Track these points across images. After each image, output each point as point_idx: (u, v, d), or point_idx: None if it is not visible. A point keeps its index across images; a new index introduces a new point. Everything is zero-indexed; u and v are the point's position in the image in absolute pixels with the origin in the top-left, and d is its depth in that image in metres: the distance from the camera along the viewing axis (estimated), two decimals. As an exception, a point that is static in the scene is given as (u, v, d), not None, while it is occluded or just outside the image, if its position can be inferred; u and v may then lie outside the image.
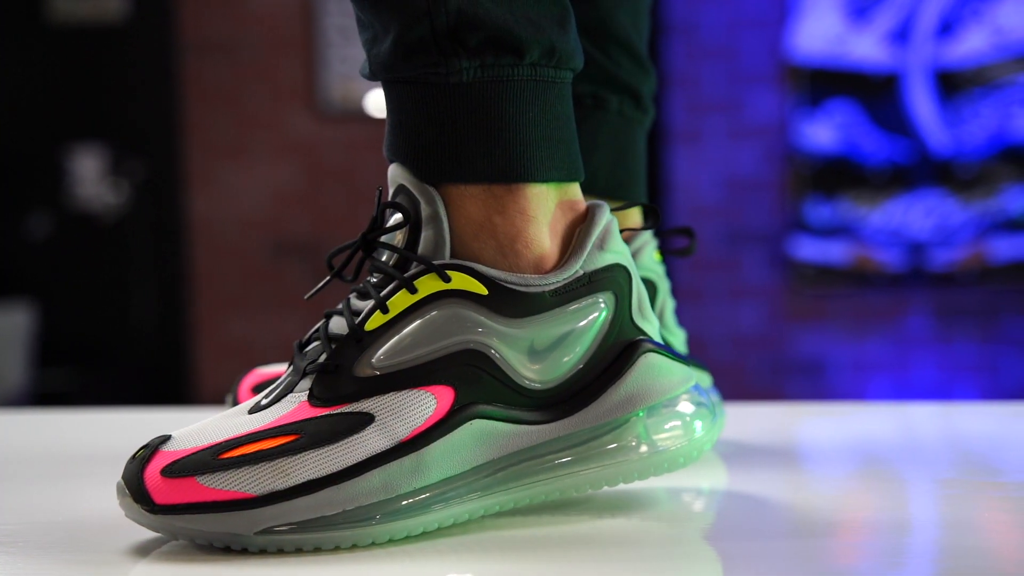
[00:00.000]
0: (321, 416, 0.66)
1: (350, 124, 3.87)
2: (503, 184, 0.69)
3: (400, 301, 0.68)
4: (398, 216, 0.70)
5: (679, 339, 0.96)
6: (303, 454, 0.65)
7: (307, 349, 0.70)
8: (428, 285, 0.68)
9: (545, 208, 0.70)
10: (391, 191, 0.72)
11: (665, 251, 0.98)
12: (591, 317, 0.70)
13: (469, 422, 0.67)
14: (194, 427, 0.68)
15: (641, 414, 0.71)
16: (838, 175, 3.72)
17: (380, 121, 3.80)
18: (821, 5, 3.70)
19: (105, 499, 0.75)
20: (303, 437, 0.65)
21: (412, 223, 0.70)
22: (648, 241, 0.94)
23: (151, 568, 0.63)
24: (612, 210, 0.74)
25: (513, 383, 0.69)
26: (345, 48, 3.85)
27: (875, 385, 3.74)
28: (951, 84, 3.67)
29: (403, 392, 0.67)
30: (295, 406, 0.67)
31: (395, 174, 0.71)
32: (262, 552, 0.64)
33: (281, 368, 0.97)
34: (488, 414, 0.68)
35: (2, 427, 1.30)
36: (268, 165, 3.92)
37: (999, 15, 3.65)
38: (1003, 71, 3.66)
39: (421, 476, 0.66)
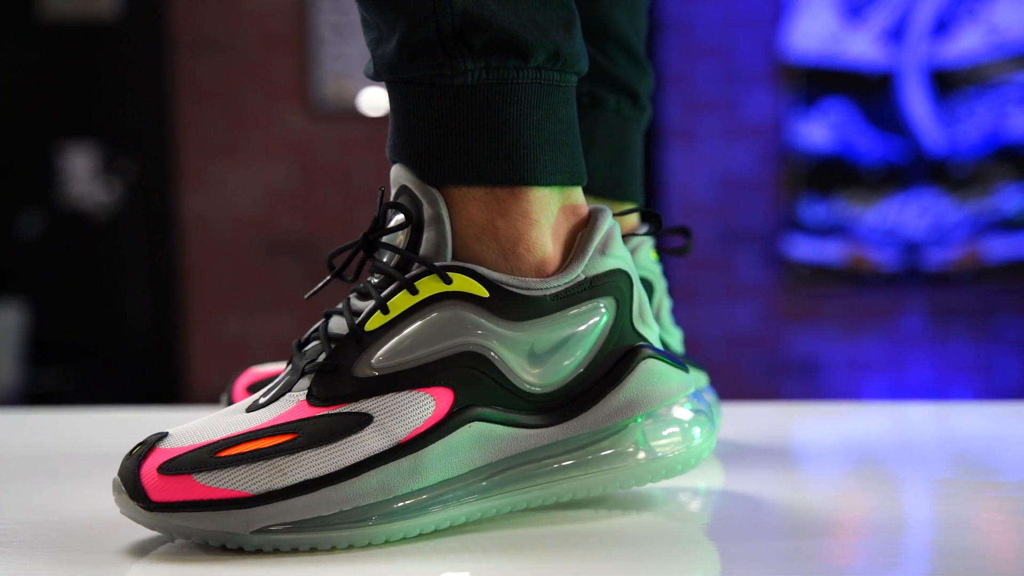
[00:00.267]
0: (319, 416, 0.66)
1: (344, 122, 3.87)
2: (506, 187, 0.69)
3: (401, 302, 0.68)
4: (400, 217, 0.70)
5: (676, 338, 0.96)
6: (301, 453, 0.65)
7: (306, 348, 0.70)
8: (429, 286, 0.68)
9: (548, 212, 0.70)
10: (393, 192, 0.72)
11: (661, 250, 0.98)
12: (592, 322, 0.70)
13: (468, 424, 0.67)
14: (191, 425, 0.68)
15: (640, 420, 0.71)
16: (833, 174, 3.72)
17: (374, 119, 3.82)
18: (816, 4, 3.70)
19: (99, 499, 0.75)
20: (301, 436, 0.65)
21: (414, 224, 0.70)
22: (644, 240, 0.94)
23: (146, 568, 0.63)
24: (615, 215, 0.74)
25: (512, 386, 0.69)
26: (338, 46, 3.84)
27: (870, 385, 3.74)
28: (946, 83, 3.68)
29: (402, 393, 0.67)
30: (293, 405, 0.67)
31: (398, 175, 0.71)
32: (258, 552, 0.64)
33: (276, 368, 0.97)
34: (487, 417, 0.68)
35: (-6, 427, 1.30)
36: (261, 163, 3.91)
37: (994, 14, 3.65)
38: (998, 70, 3.66)
39: (419, 478, 0.66)
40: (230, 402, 0.95)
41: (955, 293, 3.70)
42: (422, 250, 0.69)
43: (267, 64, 3.90)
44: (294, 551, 0.64)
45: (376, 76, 0.72)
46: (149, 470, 0.64)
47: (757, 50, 3.77)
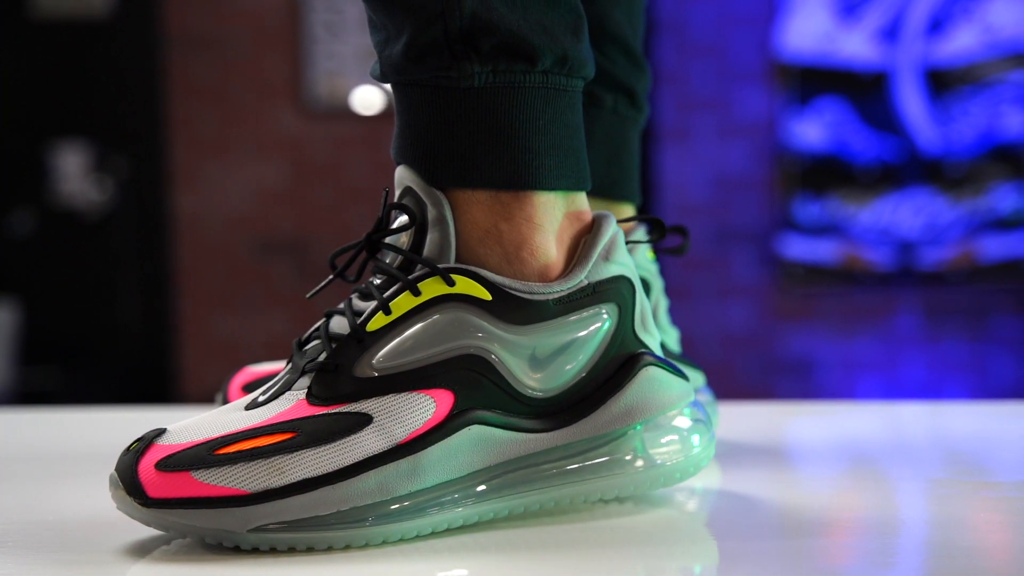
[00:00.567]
0: (319, 415, 0.66)
1: (336, 121, 3.86)
2: (511, 191, 0.69)
3: (403, 303, 0.68)
4: (404, 218, 0.70)
5: (672, 338, 0.97)
6: (299, 452, 0.64)
7: (306, 347, 0.70)
8: (432, 288, 0.68)
9: (552, 217, 0.71)
10: (397, 193, 0.72)
11: (658, 250, 0.98)
12: (594, 327, 0.71)
13: (467, 427, 0.67)
14: (190, 421, 0.68)
15: (639, 427, 0.71)
16: (827, 173, 3.72)
17: (367, 118, 3.81)
18: (810, 3, 3.70)
19: (94, 498, 0.76)
20: (300, 435, 0.65)
21: (418, 226, 0.70)
22: (641, 238, 0.93)
23: (143, 567, 0.63)
24: (619, 222, 0.74)
25: (513, 390, 0.69)
26: (331, 44, 3.83)
27: (864, 384, 3.74)
28: (941, 82, 3.68)
29: (402, 394, 0.67)
30: (293, 404, 0.67)
31: (402, 176, 0.71)
32: (254, 550, 0.64)
33: (272, 367, 0.97)
34: (487, 420, 0.68)
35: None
36: (254, 162, 3.90)
37: (989, 13, 3.65)
38: (993, 69, 3.66)
39: (417, 479, 0.66)
40: (226, 401, 0.95)
41: (949, 293, 3.70)
42: (425, 252, 0.69)
43: (260, 62, 3.89)
44: (291, 550, 0.64)
45: (382, 77, 0.72)
46: (147, 466, 0.64)
47: (751, 49, 3.77)
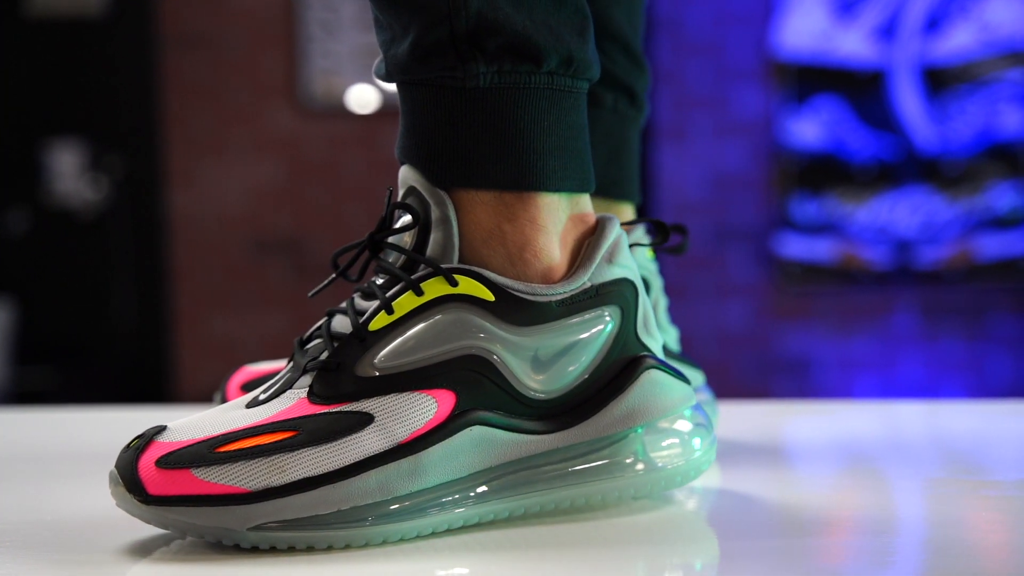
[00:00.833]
0: (320, 414, 0.66)
1: (332, 119, 3.85)
2: (514, 192, 0.69)
3: (406, 303, 0.68)
4: (407, 218, 0.70)
5: (672, 337, 0.97)
6: (300, 451, 0.64)
7: (308, 346, 0.70)
8: (435, 288, 0.68)
9: (555, 218, 0.71)
10: (401, 192, 0.72)
11: (657, 248, 0.98)
12: (596, 330, 0.71)
13: (469, 428, 0.67)
14: (190, 419, 0.68)
15: (640, 431, 0.71)
16: (824, 172, 3.71)
17: (363, 117, 3.80)
18: (807, 1, 3.70)
19: (93, 498, 0.76)
20: (301, 434, 0.65)
21: (421, 225, 0.70)
22: (641, 238, 0.94)
23: (142, 566, 0.63)
24: (622, 224, 0.74)
25: (515, 391, 0.69)
26: (327, 43, 3.83)
27: (861, 383, 3.74)
28: (938, 81, 3.67)
29: (404, 394, 0.67)
30: (294, 402, 0.67)
31: (406, 176, 0.71)
32: (254, 549, 0.64)
33: (270, 366, 0.97)
34: (488, 421, 0.68)
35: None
36: (249, 161, 3.89)
37: (986, 11, 3.65)
38: (990, 68, 3.66)
39: (418, 479, 0.66)
40: (224, 400, 0.95)
41: (947, 291, 3.70)
42: (428, 252, 0.69)
43: (255, 61, 3.88)
44: (291, 549, 0.64)
45: (387, 76, 0.72)
46: (147, 463, 0.64)
47: (748, 48, 3.76)
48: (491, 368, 0.68)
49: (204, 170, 3.89)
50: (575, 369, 0.70)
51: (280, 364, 0.94)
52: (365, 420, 0.66)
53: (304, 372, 0.68)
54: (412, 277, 0.68)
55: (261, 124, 3.88)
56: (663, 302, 0.98)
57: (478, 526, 0.69)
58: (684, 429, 0.72)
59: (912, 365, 3.72)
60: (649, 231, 0.98)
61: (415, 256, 0.69)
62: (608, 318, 0.71)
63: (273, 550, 0.64)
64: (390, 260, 0.70)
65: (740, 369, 3.76)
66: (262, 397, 0.68)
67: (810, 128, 3.72)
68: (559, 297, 0.69)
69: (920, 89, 3.68)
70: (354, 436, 0.65)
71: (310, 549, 0.64)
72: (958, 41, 3.66)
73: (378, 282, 0.70)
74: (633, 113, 0.99)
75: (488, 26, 0.67)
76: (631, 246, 0.75)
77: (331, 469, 0.64)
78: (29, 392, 3.80)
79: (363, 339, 0.68)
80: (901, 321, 3.74)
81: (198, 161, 3.89)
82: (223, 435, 0.65)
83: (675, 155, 3.77)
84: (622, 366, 0.71)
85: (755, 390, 3.70)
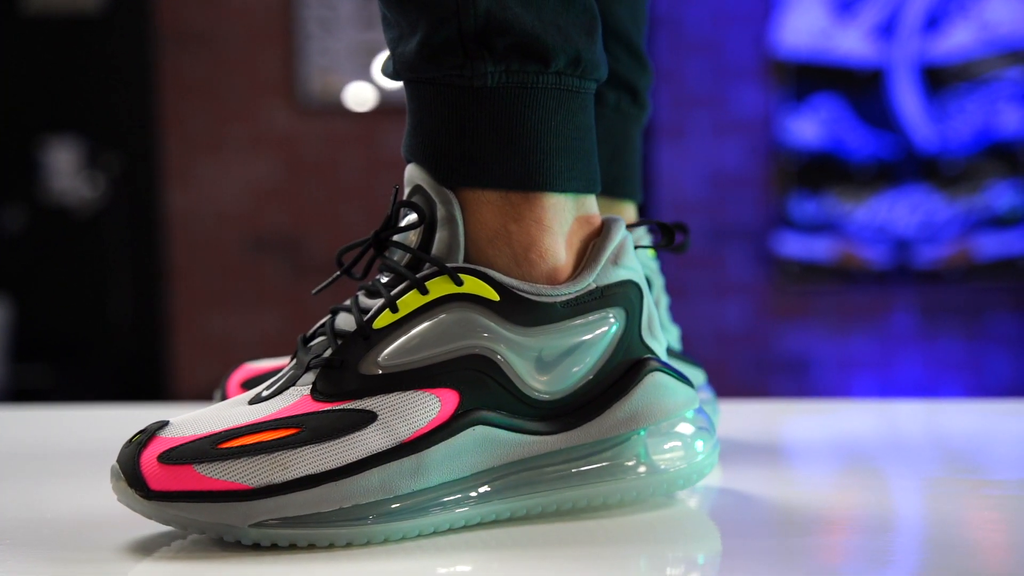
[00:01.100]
0: (323, 411, 0.66)
1: (330, 117, 3.85)
2: (521, 192, 0.69)
3: (410, 301, 0.68)
4: (413, 216, 0.70)
5: (673, 335, 0.98)
6: (303, 448, 0.64)
7: (311, 344, 0.70)
8: (440, 287, 0.68)
9: (561, 219, 0.71)
10: (407, 191, 0.72)
11: (659, 247, 0.98)
12: (600, 331, 0.71)
13: (472, 427, 0.67)
14: (193, 415, 0.68)
15: (642, 433, 0.71)
16: (823, 171, 3.71)
17: (360, 115, 3.79)
18: (806, -1, 3.70)
19: (92, 496, 0.77)
20: (304, 431, 0.65)
21: (427, 224, 0.70)
22: (643, 237, 0.94)
23: (142, 564, 0.63)
24: (628, 226, 0.74)
25: (518, 391, 0.69)
26: (325, 40, 3.82)
27: (860, 382, 3.74)
28: (937, 79, 3.67)
29: (407, 393, 0.67)
30: (297, 399, 0.67)
31: (412, 174, 0.71)
32: (255, 546, 0.64)
33: (270, 364, 0.97)
34: (492, 421, 0.68)
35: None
36: (246, 159, 3.88)
37: (985, 10, 3.65)
38: (989, 66, 3.66)
39: (420, 478, 0.66)
40: (224, 398, 0.95)
41: (945, 290, 3.70)
42: (434, 250, 0.69)
43: (253, 59, 3.88)
44: (292, 547, 0.64)
45: (395, 75, 0.72)
46: (149, 458, 0.64)
47: (747, 46, 3.76)
48: (495, 368, 0.68)
49: (201, 168, 3.89)
50: (579, 370, 0.70)
51: (280, 362, 0.94)
52: (368, 418, 0.65)
53: (308, 369, 0.68)
54: (417, 276, 0.68)
55: (258, 122, 3.88)
56: (664, 300, 0.98)
57: (480, 525, 0.69)
58: (687, 432, 0.73)
59: (911, 364, 3.72)
60: (651, 230, 0.99)
61: (420, 255, 0.69)
62: (612, 320, 0.71)
63: (274, 547, 0.64)
64: (395, 258, 0.70)
65: (738, 368, 3.76)
66: (265, 394, 0.68)
67: (809, 127, 3.72)
68: (564, 298, 0.69)
69: (919, 88, 3.68)
70: (357, 434, 0.65)
71: (311, 547, 0.64)
72: (957, 40, 3.66)
73: (383, 280, 0.70)
74: (635, 111, 0.99)
75: (497, 25, 0.67)
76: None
77: (333, 467, 0.64)
78: (25, 390, 3.79)
79: (367, 337, 0.67)
80: (900, 320, 3.74)
81: (195, 159, 3.89)
82: (226, 431, 0.65)
83: (674, 154, 3.77)
84: (626, 368, 0.71)
85: (753, 389, 3.69)
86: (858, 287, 3.73)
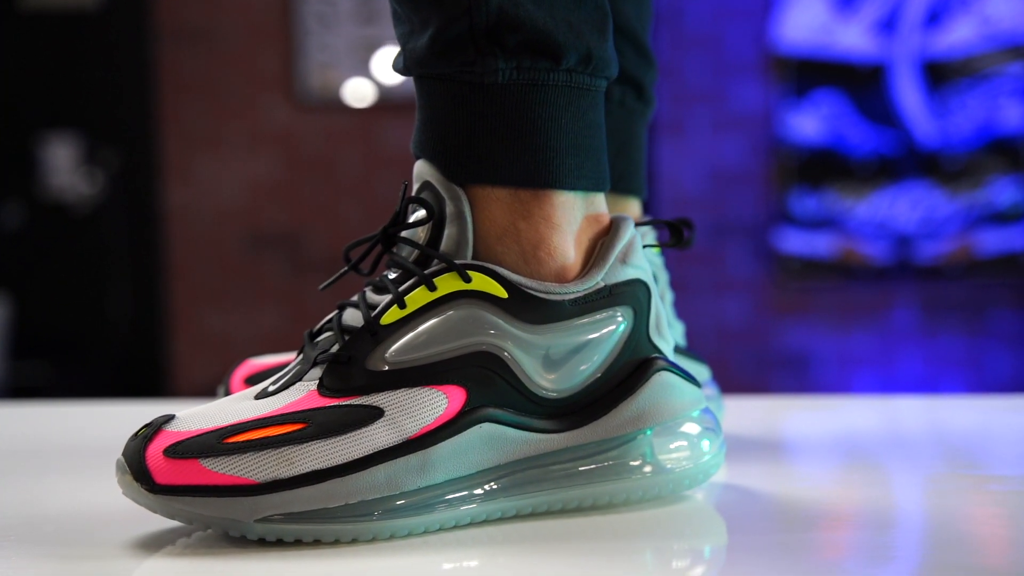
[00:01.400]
0: (330, 407, 0.66)
1: (329, 114, 3.84)
2: (530, 189, 0.69)
3: (418, 297, 0.68)
4: (421, 212, 0.70)
5: (678, 331, 0.99)
6: (309, 443, 0.64)
7: (318, 339, 0.70)
8: (448, 284, 0.68)
9: (570, 217, 0.71)
10: (416, 187, 0.72)
11: (662, 243, 0.98)
12: (608, 330, 0.71)
13: (479, 425, 0.67)
14: (199, 409, 0.68)
15: (649, 432, 0.71)
16: (824, 167, 3.71)
17: (359, 111, 3.79)
18: (807, -5, 3.69)
19: (94, 492, 0.77)
20: (310, 426, 0.65)
21: (435, 221, 0.70)
22: (646, 233, 0.94)
23: (146, 559, 0.63)
24: (637, 225, 0.74)
25: (526, 389, 0.69)
26: (324, 36, 3.81)
27: (860, 379, 3.74)
28: (938, 75, 3.67)
29: (414, 389, 0.67)
30: (304, 394, 0.67)
31: (421, 170, 0.71)
32: (260, 541, 0.64)
33: (275, 359, 0.97)
34: (498, 418, 0.68)
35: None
36: (245, 155, 3.88)
37: (987, 5, 3.65)
38: (990, 62, 3.65)
39: (426, 475, 0.66)
40: (227, 394, 0.95)
41: (946, 286, 3.70)
42: (443, 247, 0.69)
43: (251, 55, 3.87)
44: (297, 542, 0.64)
45: (405, 70, 0.72)
46: (155, 452, 0.64)
47: (747, 41, 3.76)
48: (502, 365, 0.68)
49: (200, 164, 3.88)
50: (586, 369, 0.70)
51: (284, 358, 0.94)
52: (375, 414, 0.65)
53: (314, 364, 0.68)
54: (425, 272, 0.68)
55: (257, 118, 3.87)
56: (669, 296, 0.99)
57: (485, 521, 0.69)
58: (693, 432, 0.73)
59: (912, 360, 3.72)
60: (656, 227, 0.98)
61: (429, 251, 0.69)
62: (620, 319, 0.71)
63: (280, 543, 0.64)
64: (403, 254, 0.70)
65: (739, 365, 3.76)
66: (271, 389, 0.68)
67: (810, 122, 3.71)
68: (572, 296, 0.69)
69: (920, 83, 3.67)
70: (363, 430, 0.65)
71: (317, 542, 0.64)
72: (959, 35, 3.66)
73: (391, 276, 0.70)
74: (640, 107, 1.00)
75: (508, 22, 0.67)
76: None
77: (340, 462, 0.64)
78: (24, 387, 3.79)
79: (375, 333, 0.67)
80: (901, 316, 3.73)
81: (194, 155, 3.88)
82: (232, 426, 0.65)
83: (674, 149, 3.77)
84: (633, 367, 0.71)
85: (753, 385, 3.69)
86: (859, 283, 3.73)
